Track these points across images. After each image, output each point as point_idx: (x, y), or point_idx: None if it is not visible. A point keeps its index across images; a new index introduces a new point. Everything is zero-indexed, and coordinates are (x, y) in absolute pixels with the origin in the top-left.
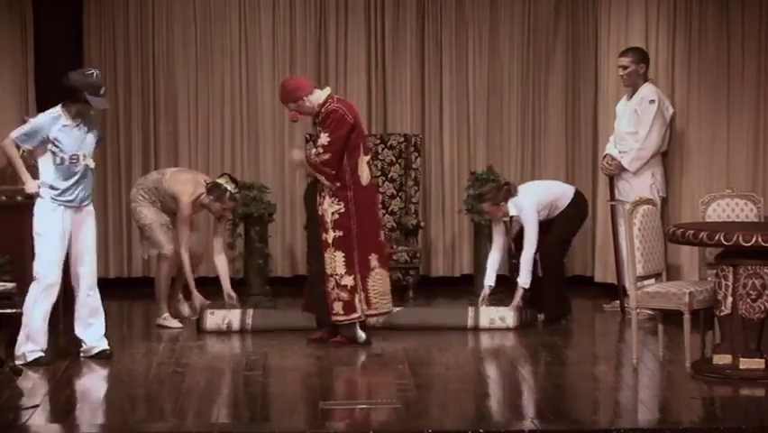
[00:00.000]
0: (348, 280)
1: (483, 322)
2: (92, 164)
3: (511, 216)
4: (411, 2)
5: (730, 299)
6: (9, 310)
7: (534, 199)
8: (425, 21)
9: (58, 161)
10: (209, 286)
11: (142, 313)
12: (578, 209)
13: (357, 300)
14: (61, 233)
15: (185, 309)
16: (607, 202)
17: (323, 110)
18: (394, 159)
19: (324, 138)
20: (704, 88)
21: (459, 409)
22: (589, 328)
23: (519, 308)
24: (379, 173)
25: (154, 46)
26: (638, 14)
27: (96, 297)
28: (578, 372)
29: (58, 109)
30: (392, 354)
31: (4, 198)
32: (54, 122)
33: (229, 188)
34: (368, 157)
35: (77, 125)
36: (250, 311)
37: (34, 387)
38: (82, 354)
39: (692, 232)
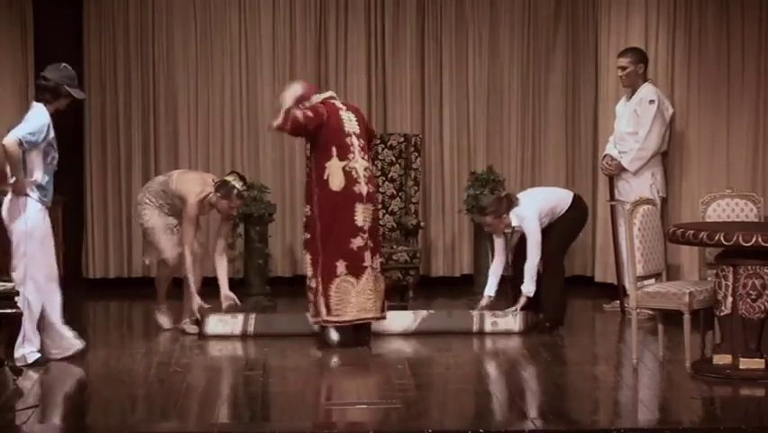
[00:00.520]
0: (312, 283)
1: (488, 326)
2: None
3: (513, 227)
4: (411, 2)
5: (730, 299)
6: (9, 310)
7: (536, 208)
8: (425, 21)
9: (48, 160)
10: (208, 286)
11: (142, 313)
12: (578, 213)
13: (321, 304)
14: (49, 233)
15: (164, 320)
16: (607, 202)
17: None
18: (394, 159)
19: (308, 111)
20: (704, 90)
21: (459, 409)
22: (589, 328)
23: (524, 313)
24: (379, 173)
25: (154, 46)
26: (638, 16)
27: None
28: (578, 372)
29: (43, 108)
30: (392, 355)
31: None
32: (50, 121)
33: (237, 185)
34: (345, 163)
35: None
36: (252, 318)
37: (34, 387)
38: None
39: (692, 232)
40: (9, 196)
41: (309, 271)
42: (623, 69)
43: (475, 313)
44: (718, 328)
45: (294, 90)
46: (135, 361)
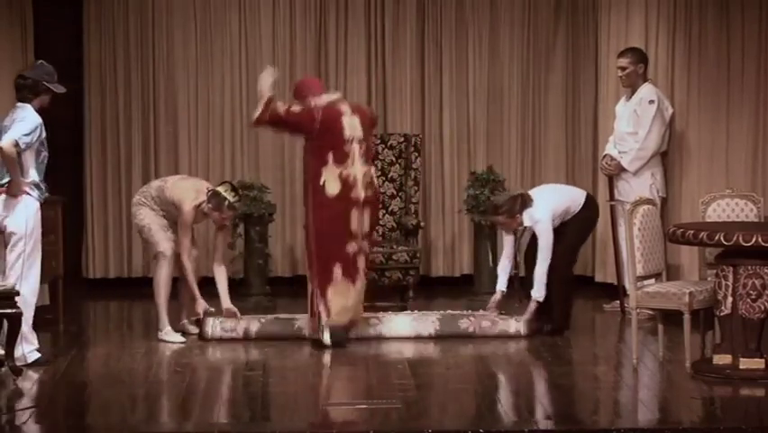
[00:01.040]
0: (310, 285)
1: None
2: None
3: (525, 227)
4: (411, 2)
5: (730, 299)
6: (9, 310)
7: (550, 210)
8: (424, 21)
9: (40, 159)
10: (207, 287)
11: (142, 313)
12: (589, 213)
13: (319, 306)
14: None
15: (191, 328)
16: (606, 202)
17: None
18: (394, 159)
19: (295, 107)
20: (704, 91)
21: (459, 409)
22: (589, 328)
23: (532, 319)
24: (379, 173)
25: (154, 46)
26: (638, 17)
27: None
28: (578, 372)
29: (31, 107)
30: (392, 355)
31: None
32: (41, 120)
33: (228, 197)
34: (341, 170)
35: None
36: (254, 323)
37: (33, 387)
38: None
39: (692, 232)
40: (3, 196)
41: (308, 273)
42: (623, 69)
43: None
44: (718, 328)
45: (265, 79)
46: (135, 361)
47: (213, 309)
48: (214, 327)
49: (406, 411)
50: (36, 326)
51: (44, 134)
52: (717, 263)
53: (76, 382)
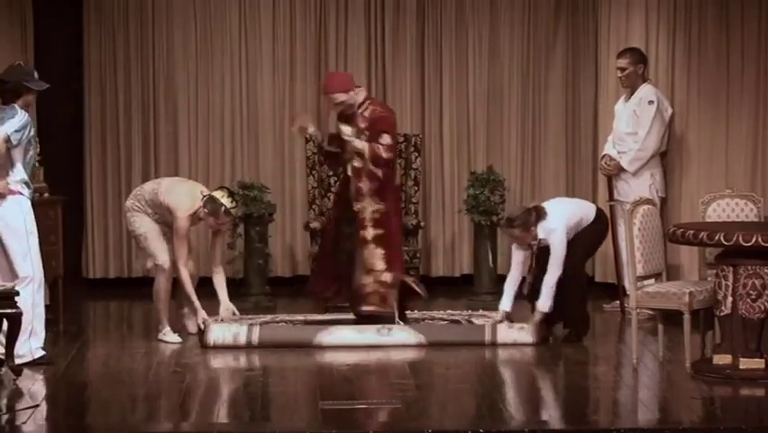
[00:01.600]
0: (387, 277)
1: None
2: None
3: (539, 240)
4: (411, 3)
5: (730, 299)
6: (9, 310)
7: (564, 222)
8: (424, 21)
9: (28, 158)
10: (206, 286)
11: (142, 313)
12: (600, 225)
13: (392, 297)
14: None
15: (191, 326)
16: (606, 202)
17: (365, 109)
18: None
19: (386, 138)
20: (704, 91)
21: (459, 409)
22: (590, 328)
23: (538, 328)
24: None
25: (154, 46)
26: (638, 17)
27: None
28: (578, 372)
29: (17, 107)
30: (392, 355)
31: None
32: (30, 119)
33: (225, 202)
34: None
35: None
36: (256, 328)
37: (34, 387)
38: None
39: (692, 232)
40: None
41: (381, 266)
42: (622, 69)
43: (488, 326)
44: (718, 328)
45: (307, 120)
46: (135, 361)
47: (214, 318)
48: (216, 336)
49: (406, 411)
50: None
51: (33, 132)
52: (717, 263)
53: (76, 382)
